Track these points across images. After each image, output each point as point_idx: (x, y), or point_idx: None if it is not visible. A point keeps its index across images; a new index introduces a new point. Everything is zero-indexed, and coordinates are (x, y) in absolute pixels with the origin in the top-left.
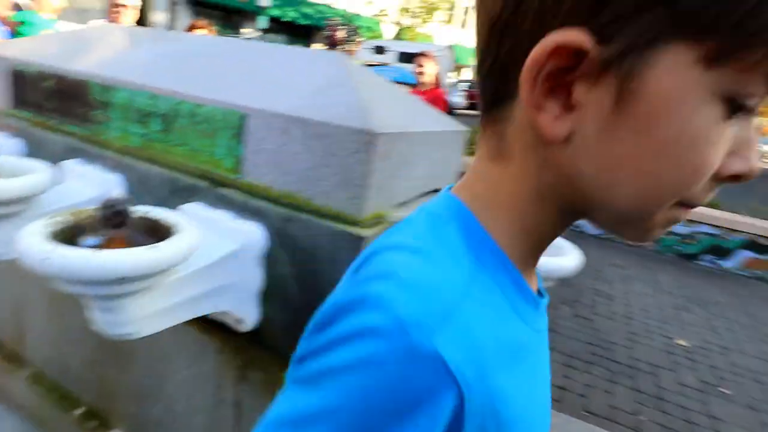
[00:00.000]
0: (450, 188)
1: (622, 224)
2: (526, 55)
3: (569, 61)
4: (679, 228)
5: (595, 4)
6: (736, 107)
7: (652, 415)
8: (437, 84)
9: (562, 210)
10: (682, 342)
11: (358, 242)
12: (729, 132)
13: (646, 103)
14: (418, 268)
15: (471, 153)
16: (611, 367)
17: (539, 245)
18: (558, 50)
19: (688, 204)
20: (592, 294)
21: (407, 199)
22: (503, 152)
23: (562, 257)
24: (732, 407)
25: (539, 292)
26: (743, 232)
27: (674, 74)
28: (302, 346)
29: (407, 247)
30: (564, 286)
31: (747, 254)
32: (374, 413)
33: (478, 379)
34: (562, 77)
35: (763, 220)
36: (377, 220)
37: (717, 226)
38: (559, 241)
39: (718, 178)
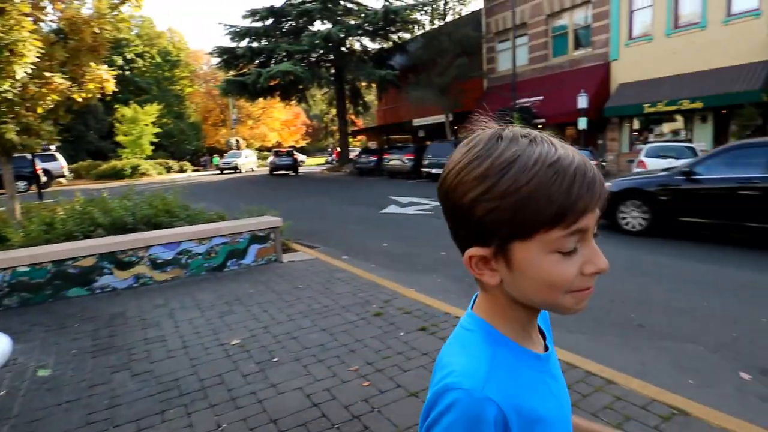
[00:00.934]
0: (472, 307)
1: (549, 309)
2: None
3: (482, 254)
4: (198, 248)
5: (474, 239)
6: (565, 252)
7: (230, 418)
8: None
9: (523, 307)
10: (236, 341)
11: None
12: (574, 257)
13: (518, 263)
14: (464, 362)
15: None
16: (184, 401)
17: (525, 325)
18: (473, 255)
19: (578, 290)
20: (144, 345)
21: None
22: (486, 290)
23: None
24: (283, 368)
25: (546, 347)
26: (247, 231)
27: (523, 251)
28: (421, 427)
29: (454, 352)
30: (108, 354)
31: (256, 247)
32: None
33: (509, 401)
34: (484, 259)
35: (254, 218)
36: None
37: (225, 235)
38: None
39: (585, 275)
